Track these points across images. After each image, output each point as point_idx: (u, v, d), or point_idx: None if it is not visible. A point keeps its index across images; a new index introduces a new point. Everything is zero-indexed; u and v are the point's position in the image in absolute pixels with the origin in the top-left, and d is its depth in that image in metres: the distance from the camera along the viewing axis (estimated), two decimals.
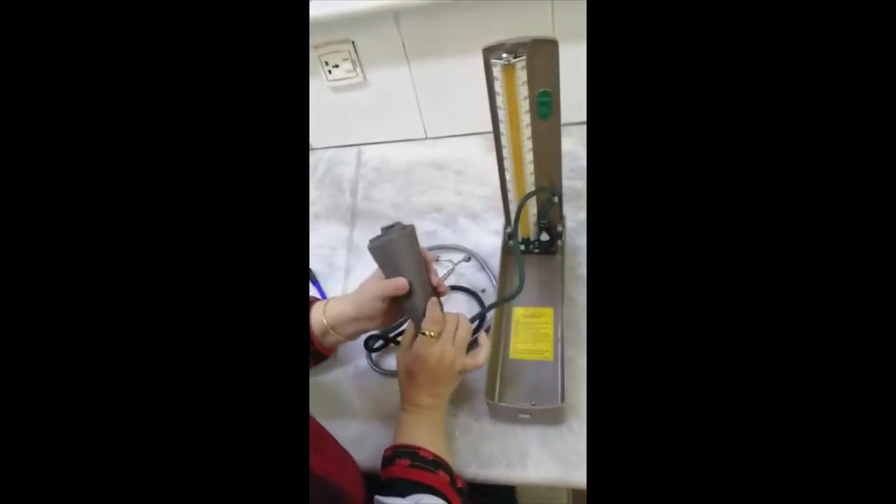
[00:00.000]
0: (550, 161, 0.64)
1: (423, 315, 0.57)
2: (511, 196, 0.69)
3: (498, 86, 0.58)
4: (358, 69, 0.89)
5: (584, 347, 0.66)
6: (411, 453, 0.52)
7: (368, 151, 1.01)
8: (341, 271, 0.83)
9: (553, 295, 0.71)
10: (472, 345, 0.60)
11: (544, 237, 0.73)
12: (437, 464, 0.52)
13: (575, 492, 0.80)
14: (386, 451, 0.54)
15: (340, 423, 0.66)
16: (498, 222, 0.81)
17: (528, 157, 0.64)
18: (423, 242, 0.66)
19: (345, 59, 0.87)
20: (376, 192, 0.94)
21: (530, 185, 0.66)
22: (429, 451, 0.53)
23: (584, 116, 0.88)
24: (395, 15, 0.81)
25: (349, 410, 0.67)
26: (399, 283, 0.56)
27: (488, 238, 0.81)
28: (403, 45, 0.85)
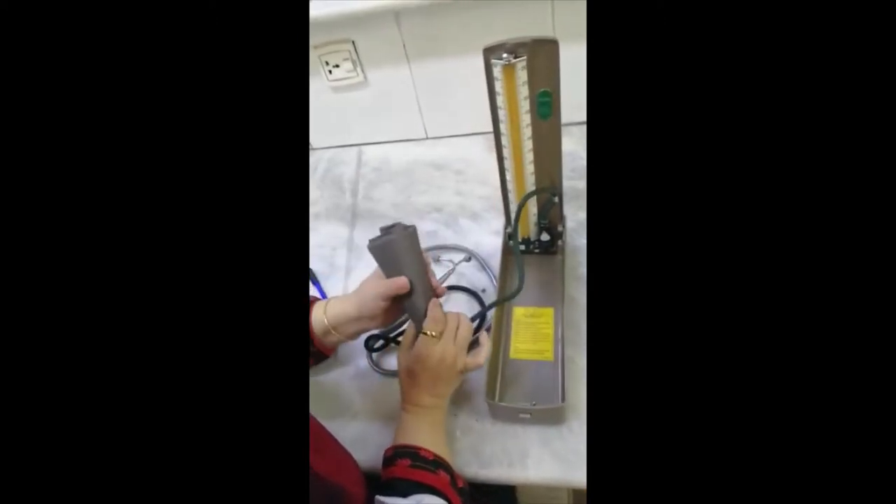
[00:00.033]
0: (551, 161, 0.64)
1: (424, 315, 0.57)
2: (511, 196, 0.69)
3: (498, 86, 0.58)
4: (358, 69, 0.89)
5: (584, 347, 0.66)
6: (412, 453, 0.52)
7: (369, 151, 1.01)
8: (342, 271, 0.83)
9: (553, 295, 0.71)
10: (473, 344, 0.60)
11: (545, 237, 0.73)
12: (438, 464, 0.53)
13: (575, 492, 0.80)
14: (387, 451, 0.54)
15: (341, 423, 0.66)
16: (498, 222, 0.81)
17: (529, 157, 0.64)
18: (424, 242, 0.66)
19: (345, 59, 0.87)
20: (377, 192, 0.94)
21: (531, 185, 0.66)
22: (430, 452, 0.53)
23: (584, 116, 0.88)
24: (396, 15, 0.81)
25: (350, 410, 0.67)
26: (400, 283, 0.57)
27: (489, 238, 0.81)
28: (404, 45, 0.85)
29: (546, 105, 0.59)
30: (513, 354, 0.67)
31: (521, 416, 0.60)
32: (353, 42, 0.85)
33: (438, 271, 0.78)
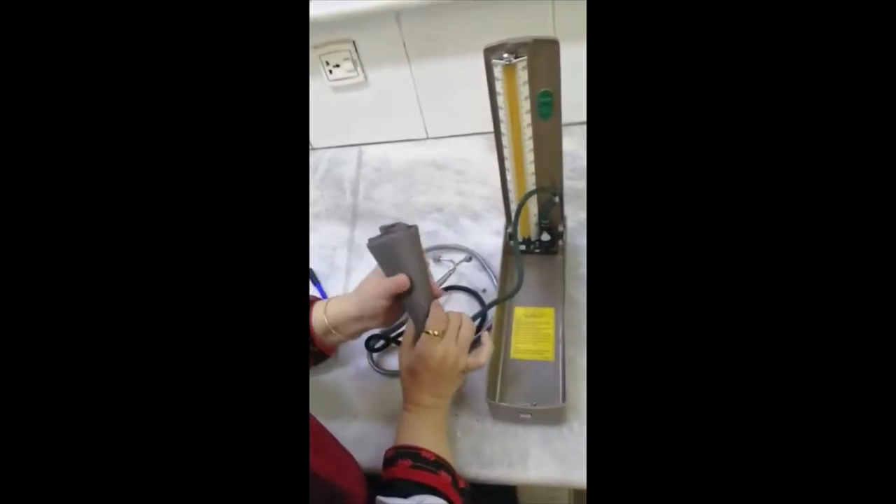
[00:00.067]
0: (551, 161, 0.64)
1: (425, 314, 0.57)
2: (512, 196, 0.69)
3: (499, 86, 0.58)
4: (359, 69, 0.89)
5: (585, 347, 0.66)
6: (413, 454, 0.52)
7: (369, 151, 1.01)
8: (342, 271, 0.83)
9: (554, 295, 0.71)
10: (475, 344, 0.60)
11: (545, 237, 0.73)
12: (439, 464, 0.52)
13: (576, 492, 0.80)
14: (387, 451, 0.54)
15: (341, 423, 0.66)
16: (499, 222, 0.81)
17: (529, 157, 0.64)
18: (425, 242, 0.66)
19: (345, 59, 0.87)
20: (377, 192, 0.94)
21: (531, 185, 0.66)
22: (431, 452, 0.53)
23: (584, 116, 0.88)
24: (396, 15, 0.81)
25: (350, 411, 0.67)
26: (400, 280, 0.56)
27: (489, 238, 0.81)
28: (404, 45, 0.85)
29: (547, 105, 0.58)
30: (513, 354, 0.67)
31: (522, 416, 0.60)
32: (353, 42, 0.85)
33: (439, 271, 0.78)
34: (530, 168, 0.65)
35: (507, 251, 0.73)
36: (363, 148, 1.02)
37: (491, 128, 0.62)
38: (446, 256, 0.81)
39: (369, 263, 0.61)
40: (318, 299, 0.66)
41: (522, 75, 0.56)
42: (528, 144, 0.62)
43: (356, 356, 0.72)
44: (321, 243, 0.88)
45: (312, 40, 0.86)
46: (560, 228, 0.72)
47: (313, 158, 1.03)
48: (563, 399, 0.60)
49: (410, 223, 0.59)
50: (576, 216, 0.79)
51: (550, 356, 0.66)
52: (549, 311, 0.70)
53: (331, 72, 0.89)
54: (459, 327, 0.57)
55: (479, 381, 0.63)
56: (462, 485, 0.54)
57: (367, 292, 0.59)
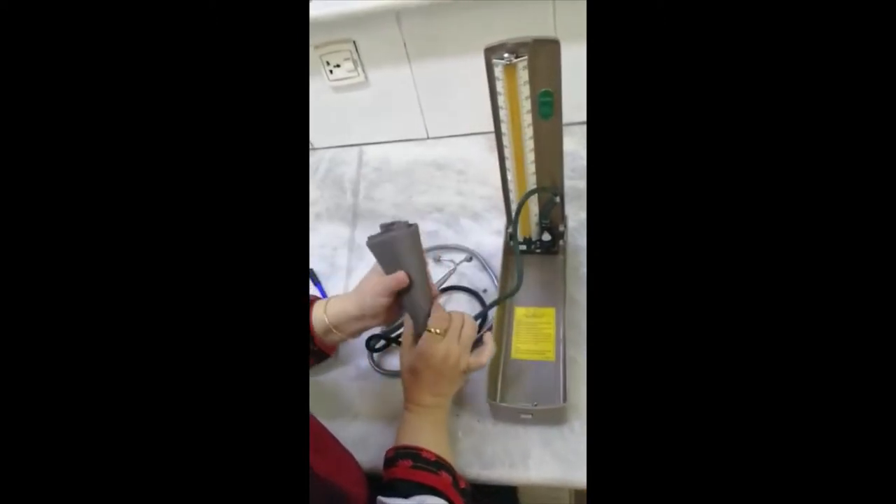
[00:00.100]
0: (552, 161, 0.64)
1: (423, 312, 0.57)
2: (513, 196, 0.69)
3: (499, 86, 0.58)
4: (359, 69, 0.89)
5: (585, 347, 0.66)
6: (413, 454, 0.52)
7: (370, 151, 1.01)
8: (343, 271, 0.83)
9: (555, 295, 0.71)
10: (477, 343, 0.59)
11: (546, 237, 0.73)
12: (440, 465, 0.52)
13: (577, 492, 0.80)
14: (388, 451, 0.54)
15: (342, 423, 0.66)
16: (500, 222, 0.81)
17: (530, 157, 0.64)
18: (425, 242, 0.66)
19: (346, 59, 0.87)
20: (377, 192, 0.94)
21: (532, 184, 0.66)
22: (431, 452, 0.53)
23: (584, 116, 0.88)
24: (397, 15, 0.81)
25: (351, 411, 0.67)
26: (399, 277, 0.56)
27: (490, 238, 0.81)
28: (405, 45, 0.84)
29: (547, 105, 0.58)
30: (514, 355, 0.67)
31: (523, 416, 0.60)
32: (353, 42, 0.85)
33: (439, 271, 0.78)
34: (531, 168, 0.65)
35: (508, 251, 0.73)
36: (363, 148, 1.02)
37: (491, 127, 0.62)
38: (447, 256, 0.80)
39: (370, 263, 0.61)
40: (318, 298, 0.66)
41: (523, 75, 0.56)
42: (529, 144, 0.62)
43: (357, 356, 0.72)
44: (321, 243, 0.88)
45: (313, 40, 0.86)
46: (561, 228, 0.72)
47: (314, 158, 1.03)
48: (564, 399, 0.60)
49: (413, 222, 0.59)
50: (576, 216, 0.79)
51: (551, 356, 0.66)
52: (550, 311, 0.70)
53: (331, 72, 0.89)
54: (462, 327, 0.57)
55: (480, 381, 0.63)
56: (463, 485, 0.54)
57: (366, 290, 0.59)
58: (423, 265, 0.58)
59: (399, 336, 0.70)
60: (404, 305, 0.59)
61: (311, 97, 0.93)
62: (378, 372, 0.70)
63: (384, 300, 0.57)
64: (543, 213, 0.70)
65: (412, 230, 0.57)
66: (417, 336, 0.57)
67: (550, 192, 0.67)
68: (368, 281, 0.60)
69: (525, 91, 0.57)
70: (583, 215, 0.80)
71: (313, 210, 0.93)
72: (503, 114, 0.60)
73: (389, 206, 0.91)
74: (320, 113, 0.96)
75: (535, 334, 0.68)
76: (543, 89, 0.57)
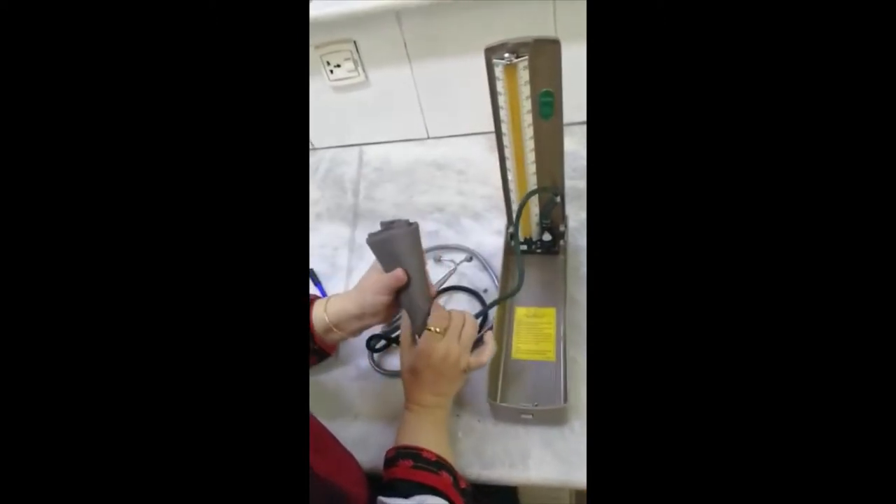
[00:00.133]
0: (553, 161, 0.64)
1: (421, 311, 0.57)
2: (513, 196, 0.69)
3: (500, 86, 0.58)
4: (359, 69, 0.89)
5: (586, 347, 0.66)
6: (414, 454, 0.52)
7: (370, 151, 1.01)
8: (343, 271, 0.83)
9: (555, 295, 0.71)
10: (478, 343, 0.59)
11: (546, 237, 0.73)
12: (440, 465, 0.52)
13: (577, 492, 0.80)
14: (388, 451, 0.54)
15: (342, 423, 0.66)
16: (500, 222, 0.81)
17: (531, 156, 0.64)
18: (426, 243, 0.66)
19: (346, 59, 0.87)
20: (378, 192, 0.94)
21: (532, 184, 0.66)
22: (432, 453, 0.53)
23: (585, 116, 0.87)
24: (397, 15, 0.81)
25: (351, 411, 0.67)
26: (398, 274, 0.56)
27: (490, 238, 0.81)
28: (405, 45, 0.84)
29: (548, 105, 0.58)
30: (514, 355, 0.67)
31: (523, 416, 0.60)
32: (354, 42, 0.85)
33: (440, 271, 0.78)
34: (531, 168, 0.65)
35: (509, 251, 0.73)
36: (364, 148, 1.02)
37: (492, 127, 0.62)
38: (447, 256, 0.80)
39: (370, 263, 0.61)
40: (318, 298, 0.66)
41: (523, 75, 0.56)
42: (530, 144, 0.62)
43: (357, 356, 0.72)
44: (322, 243, 0.88)
45: (313, 40, 0.86)
46: (561, 228, 0.72)
47: (314, 158, 1.03)
48: (565, 399, 0.60)
49: (413, 221, 0.59)
50: (577, 216, 0.79)
51: (552, 356, 0.66)
52: (551, 312, 0.70)
53: (331, 72, 0.89)
54: (462, 326, 0.57)
55: (481, 381, 0.63)
56: (463, 485, 0.54)
57: (366, 289, 0.59)
58: (422, 263, 0.58)
59: (399, 336, 0.70)
60: (402, 303, 0.59)
61: (312, 97, 0.93)
62: (378, 372, 0.70)
63: (384, 298, 0.57)
64: (544, 213, 0.70)
65: (412, 229, 0.57)
66: (415, 335, 0.57)
67: (551, 192, 0.67)
68: (368, 279, 0.60)
69: (525, 91, 0.57)
70: (583, 215, 0.79)
71: (314, 210, 0.93)
72: (504, 114, 0.60)
73: (390, 206, 0.91)
74: (320, 113, 0.96)
75: (536, 334, 0.68)
76: (544, 89, 0.57)
